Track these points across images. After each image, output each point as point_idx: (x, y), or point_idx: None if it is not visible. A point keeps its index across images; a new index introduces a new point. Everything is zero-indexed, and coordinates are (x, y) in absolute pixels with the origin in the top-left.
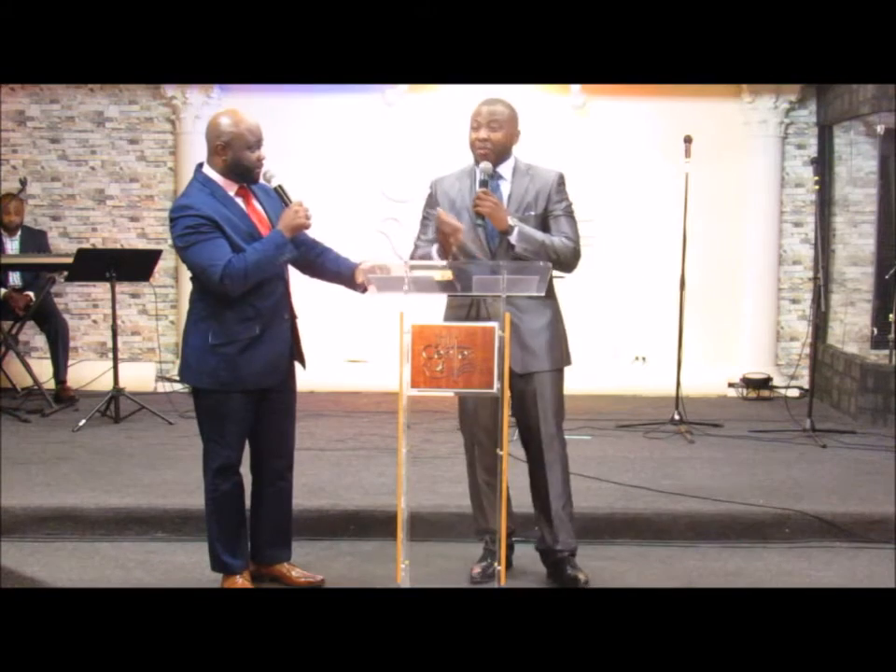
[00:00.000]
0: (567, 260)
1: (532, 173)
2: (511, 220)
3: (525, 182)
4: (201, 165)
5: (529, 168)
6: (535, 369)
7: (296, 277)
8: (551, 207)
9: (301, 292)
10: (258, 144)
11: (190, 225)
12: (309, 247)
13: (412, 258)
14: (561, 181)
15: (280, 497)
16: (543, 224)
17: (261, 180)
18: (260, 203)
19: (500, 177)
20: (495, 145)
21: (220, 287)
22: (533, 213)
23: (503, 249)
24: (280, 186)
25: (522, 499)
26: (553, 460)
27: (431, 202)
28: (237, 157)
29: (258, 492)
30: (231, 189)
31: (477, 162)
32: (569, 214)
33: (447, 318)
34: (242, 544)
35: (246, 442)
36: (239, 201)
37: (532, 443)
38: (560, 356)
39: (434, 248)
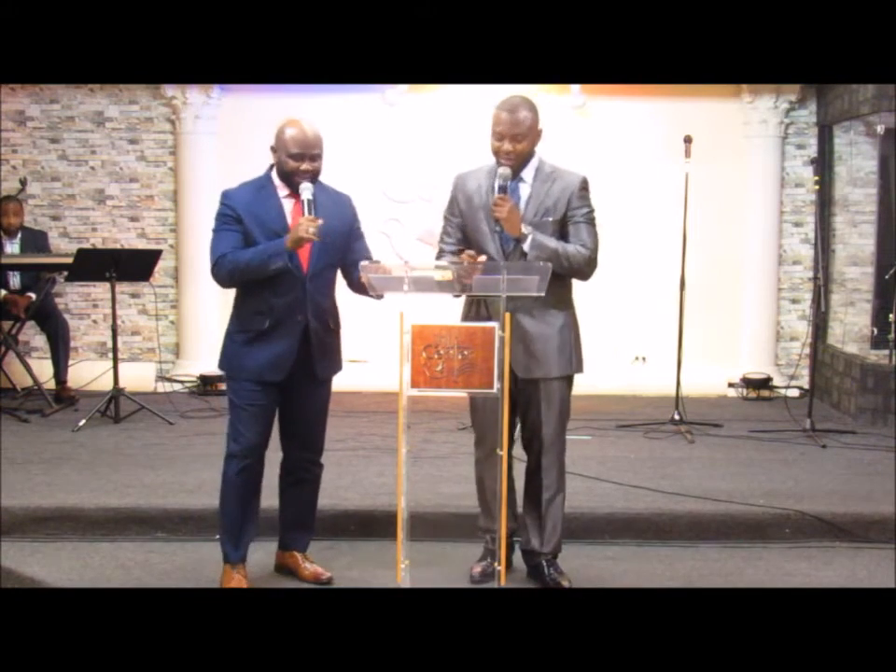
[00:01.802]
0: (581, 269)
1: (555, 176)
2: (524, 228)
3: (547, 186)
4: (272, 166)
5: (553, 171)
6: (539, 375)
7: None
8: (570, 213)
9: None
10: (301, 155)
11: (219, 213)
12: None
13: (436, 258)
14: (584, 186)
15: (298, 486)
16: (562, 229)
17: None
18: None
19: (521, 180)
20: (518, 154)
21: (212, 276)
22: (551, 218)
23: (517, 254)
24: (307, 200)
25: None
26: (551, 464)
27: (452, 203)
28: (280, 162)
29: (281, 479)
30: (284, 190)
31: (499, 163)
32: (589, 221)
33: (464, 318)
34: (244, 537)
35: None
36: (287, 202)
37: (533, 445)
38: (568, 362)
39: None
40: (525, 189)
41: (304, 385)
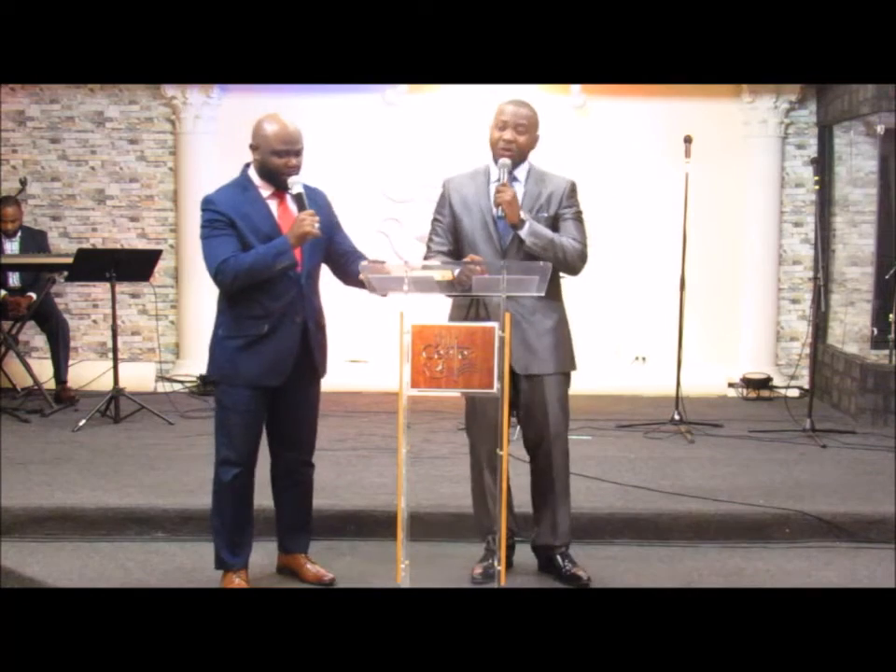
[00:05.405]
0: (574, 262)
1: (546, 178)
2: (523, 214)
3: (539, 187)
4: (248, 165)
5: (543, 174)
6: (537, 371)
7: None
8: (561, 211)
9: None
10: (287, 151)
11: (208, 219)
12: (347, 257)
13: (424, 259)
14: (573, 188)
15: (294, 488)
16: (553, 228)
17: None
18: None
19: (515, 179)
20: (518, 147)
21: (215, 283)
22: (545, 214)
23: (514, 248)
24: (299, 194)
25: (522, 499)
26: (559, 460)
27: (443, 202)
28: (263, 161)
29: (274, 482)
30: (266, 190)
31: (495, 160)
32: (578, 218)
33: (452, 318)
34: (243, 543)
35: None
36: (272, 202)
37: (537, 445)
38: (565, 359)
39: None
40: (518, 189)
41: (299, 386)
